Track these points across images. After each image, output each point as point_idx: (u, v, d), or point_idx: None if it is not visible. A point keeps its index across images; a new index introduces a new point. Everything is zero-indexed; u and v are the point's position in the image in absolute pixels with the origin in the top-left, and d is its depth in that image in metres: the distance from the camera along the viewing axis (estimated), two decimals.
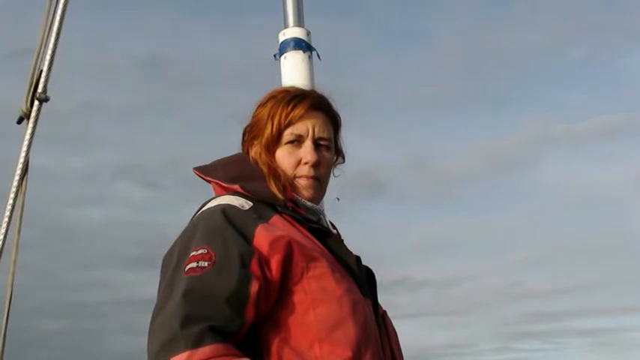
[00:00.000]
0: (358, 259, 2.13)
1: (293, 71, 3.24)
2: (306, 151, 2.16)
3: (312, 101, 2.19)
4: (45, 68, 2.80)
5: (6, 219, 2.74)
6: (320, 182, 2.19)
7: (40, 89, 2.78)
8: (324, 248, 2.04)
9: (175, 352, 1.75)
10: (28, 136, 2.77)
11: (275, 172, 2.14)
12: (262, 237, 1.93)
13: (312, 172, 2.16)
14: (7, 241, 2.74)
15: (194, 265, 1.88)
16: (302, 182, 2.16)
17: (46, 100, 2.78)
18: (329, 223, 2.25)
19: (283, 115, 2.16)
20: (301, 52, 3.27)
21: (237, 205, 2.02)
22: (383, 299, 2.17)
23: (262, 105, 2.22)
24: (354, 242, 2.19)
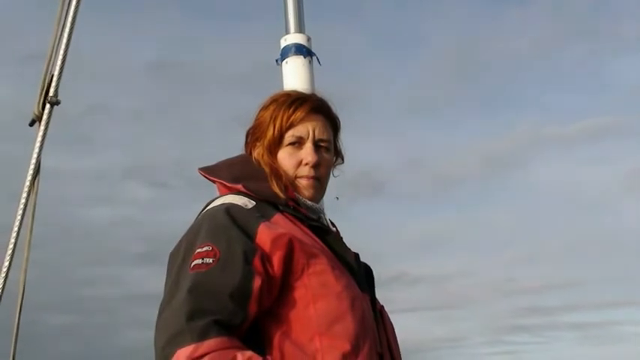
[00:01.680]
0: (357, 256, 2.13)
1: (294, 75, 3.24)
2: (307, 153, 2.16)
3: (312, 104, 2.19)
4: (56, 73, 2.80)
5: (19, 217, 2.74)
6: (320, 182, 2.19)
7: (51, 93, 2.78)
8: (324, 245, 2.04)
9: (181, 345, 1.75)
10: (39, 138, 2.77)
11: (277, 172, 2.14)
12: (264, 235, 1.93)
13: (312, 173, 2.16)
14: (19, 239, 2.74)
15: (199, 261, 1.88)
16: (303, 182, 2.16)
17: (57, 103, 2.78)
18: (329, 221, 2.25)
19: (285, 117, 2.16)
20: (302, 57, 3.27)
21: (241, 204, 2.02)
22: (381, 294, 2.17)
23: (265, 108, 2.22)
24: (352, 240, 2.19)
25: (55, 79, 2.78)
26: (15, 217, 2.75)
